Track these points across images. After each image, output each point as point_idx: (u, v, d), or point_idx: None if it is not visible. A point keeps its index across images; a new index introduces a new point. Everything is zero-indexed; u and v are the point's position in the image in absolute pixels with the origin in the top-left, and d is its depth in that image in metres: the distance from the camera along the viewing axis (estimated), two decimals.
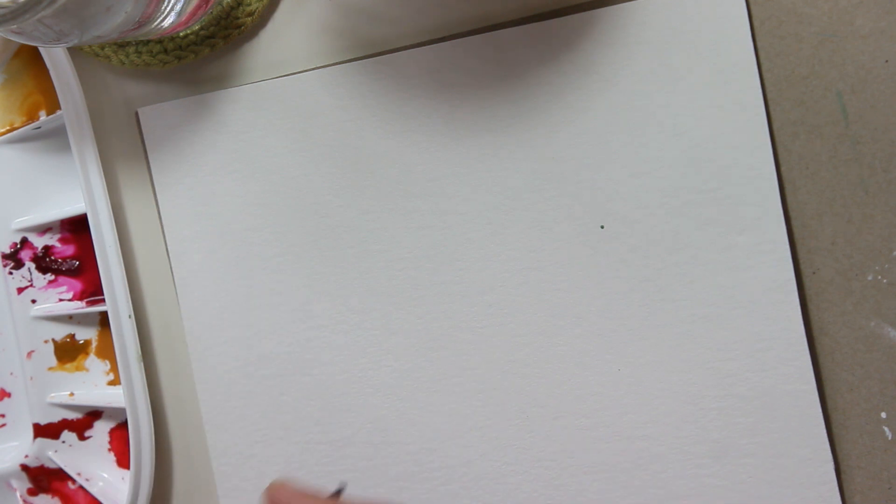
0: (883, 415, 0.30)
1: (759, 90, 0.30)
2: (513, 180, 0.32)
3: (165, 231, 0.35)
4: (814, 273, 0.31)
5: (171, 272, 0.35)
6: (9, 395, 0.36)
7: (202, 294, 0.34)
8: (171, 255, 0.35)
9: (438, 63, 0.32)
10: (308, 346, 0.34)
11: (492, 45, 0.32)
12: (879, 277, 0.30)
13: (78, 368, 0.36)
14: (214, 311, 0.34)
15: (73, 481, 0.36)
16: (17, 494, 0.36)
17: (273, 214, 0.34)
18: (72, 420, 0.36)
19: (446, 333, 0.33)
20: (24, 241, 0.36)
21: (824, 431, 0.30)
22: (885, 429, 0.30)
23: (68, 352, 0.36)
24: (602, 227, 0.31)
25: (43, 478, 0.36)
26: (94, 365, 0.36)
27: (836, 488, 0.30)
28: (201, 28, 0.33)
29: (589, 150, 0.31)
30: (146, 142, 0.35)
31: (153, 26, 0.29)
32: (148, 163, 0.35)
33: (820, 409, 0.30)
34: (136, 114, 0.35)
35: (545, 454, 0.32)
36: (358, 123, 0.33)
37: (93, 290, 0.36)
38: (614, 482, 0.32)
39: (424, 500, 0.33)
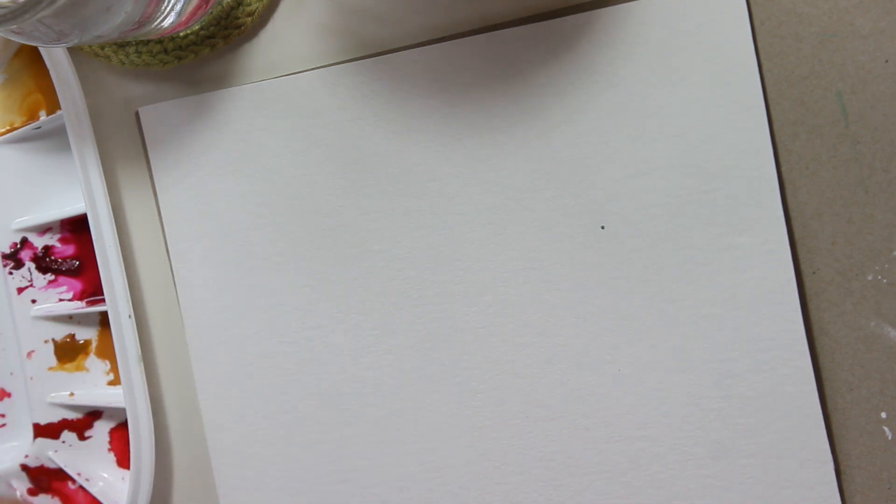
0: (883, 415, 0.30)
1: (760, 91, 0.30)
2: (513, 180, 0.32)
3: (166, 230, 0.35)
4: (814, 273, 0.31)
5: (171, 272, 0.35)
6: (9, 395, 0.36)
7: (202, 293, 0.34)
8: (171, 254, 0.35)
9: (439, 63, 0.32)
10: (308, 345, 0.34)
11: (493, 45, 0.32)
12: (880, 277, 0.30)
13: (78, 368, 0.36)
14: (215, 310, 0.34)
15: (73, 481, 0.36)
16: (18, 494, 0.36)
17: (273, 214, 0.34)
18: (72, 420, 0.36)
19: (446, 333, 0.33)
20: (24, 241, 0.36)
21: (824, 432, 0.30)
22: (885, 429, 0.30)
23: (68, 352, 0.36)
24: (602, 227, 0.31)
25: (43, 478, 0.36)
26: (94, 365, 0.36)
27: (836, 489, 0.30)
28: (201, 28, 0.33)
29: (589, 150, 0.31)
30: (146, 141, 0.35)
31: (153, 26, 0.29)
32: (148, 162, 0.35)
33: (820, 410, 0.30)
34: (137, 113, 0.35)
35: (545, 454, 0.32)
36: (358, 123, 0.33)
37: (93, 290, 0.36)
38: (614, 482, 0.32)
39: (424, 500, 0.33)
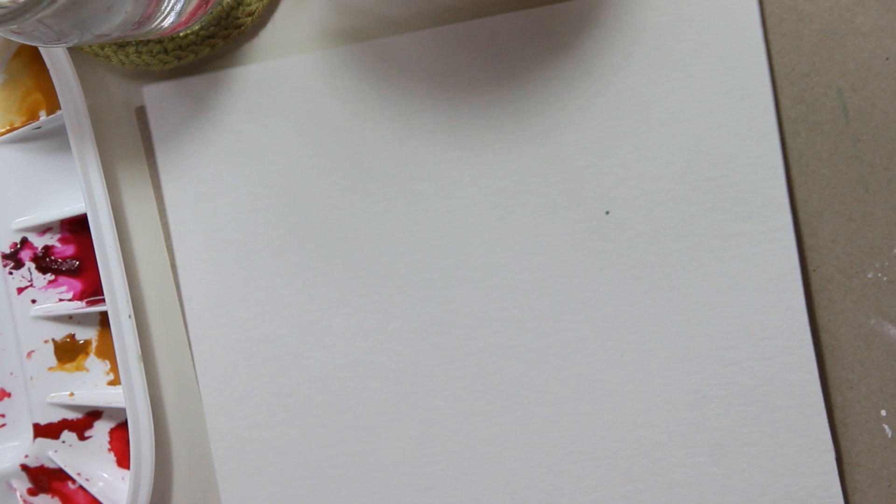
0: (883, 412, 0.30)
1: (768, 76, 0.30)
2: (517, 164, 0.32)
3: (168, 212, 0.34)
4: (814, 271, 0.31)
5: (172, 271, 0.35)
6: (9, 395, 0.36)
7: (204, 276, 0.34)
8: (172, 238, 0.34)
9: (443, 47, 0.32)
10: (310, 329, 0.34)
11: (498, 30, 0.32)
12: (880, 275, 0.30)
13: (78, 368, 0.36)
14: (216, 293, 0.34)
15: (73, 481, 0.36)
16: (17, 494, 0.36)
17: (276, 197, 0.34)
18: (72, 420, 0.36)
19: (448, 318, 0.33)
20: (24, 241, 0.36)
21: (826, 421, 0.30)
22: (886, 426, 0.30)
23: (68, 352, 0.36)
24: (607, 212, 0.31)
25: (43, 478, 0.36)
26: (94, 365, 0.36)
27: (837, 478, 0.30)
28: (201, 28, 0.33)
29: (595, 135, 0.31)
30: (150, 120, 0.34)
31: (153, 26, 0.29)
32: (151, 149, 0.34)
33: (822, 399, 0.30)
34: (140, 105, 0.34)
35: (546, 440, 0.32)
36: (361, 107, 0.33)
37: (93, 290, 0.36)
38: (615, 469, 0.32)
39: (425, 485, 0.33)
